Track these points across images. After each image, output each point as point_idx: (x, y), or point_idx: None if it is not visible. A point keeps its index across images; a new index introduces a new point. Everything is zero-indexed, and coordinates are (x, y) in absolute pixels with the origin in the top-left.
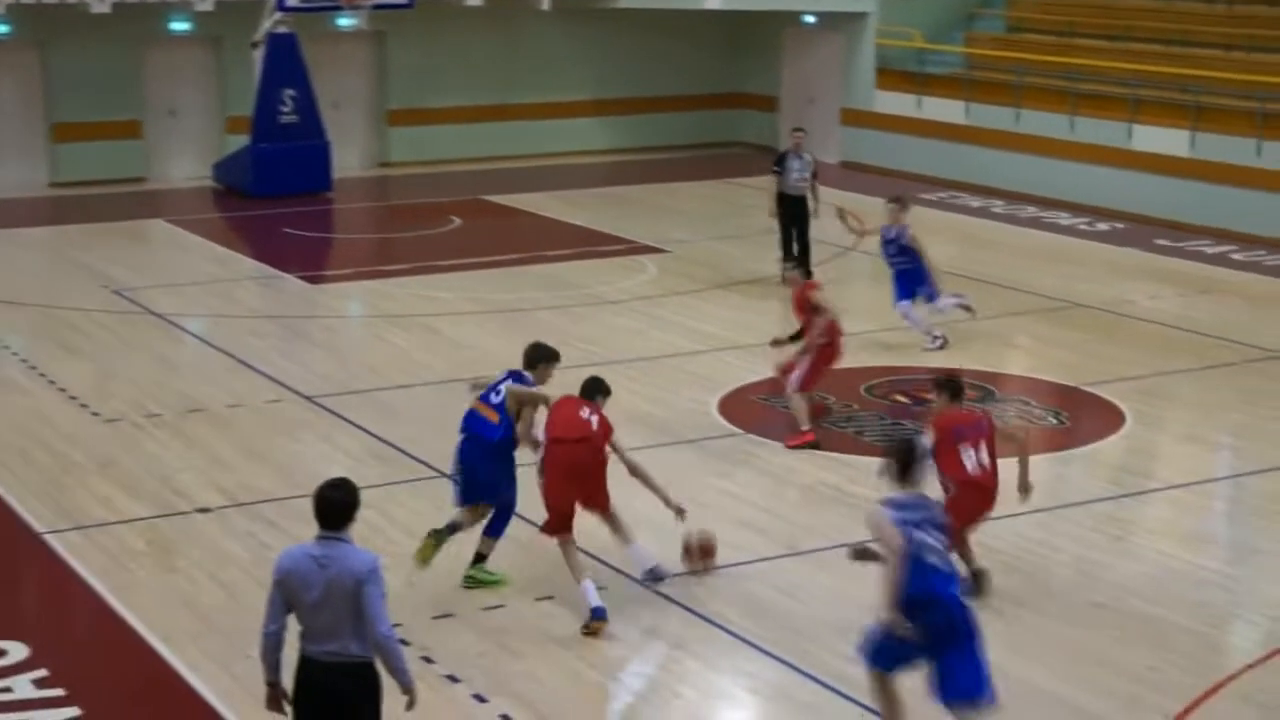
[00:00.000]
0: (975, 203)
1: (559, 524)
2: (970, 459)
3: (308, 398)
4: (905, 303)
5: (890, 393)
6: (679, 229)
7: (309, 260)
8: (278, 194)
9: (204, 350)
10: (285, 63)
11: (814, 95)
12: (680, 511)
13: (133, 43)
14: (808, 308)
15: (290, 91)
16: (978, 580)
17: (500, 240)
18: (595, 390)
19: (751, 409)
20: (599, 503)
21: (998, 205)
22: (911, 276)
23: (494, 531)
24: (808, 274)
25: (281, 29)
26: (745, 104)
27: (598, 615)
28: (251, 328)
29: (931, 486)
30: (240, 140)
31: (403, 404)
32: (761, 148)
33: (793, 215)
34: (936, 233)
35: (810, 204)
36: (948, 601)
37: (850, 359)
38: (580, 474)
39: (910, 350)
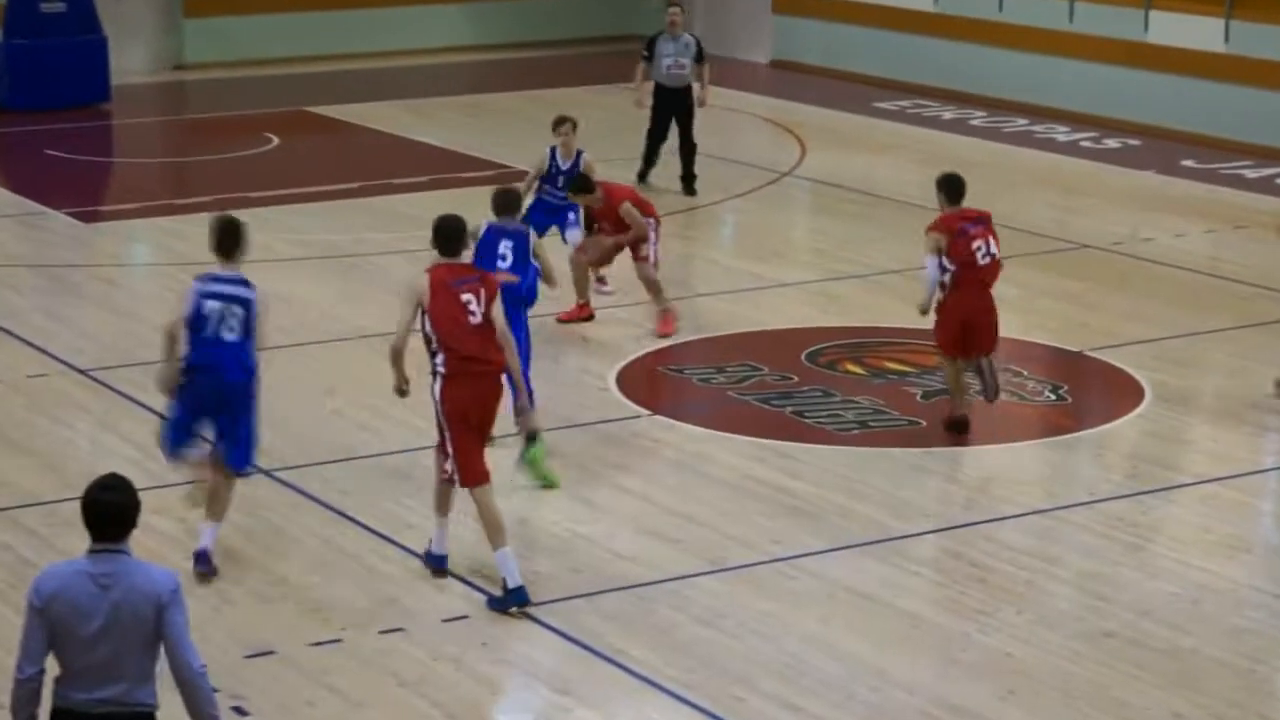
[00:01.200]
0: (947, 114)
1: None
2: (981, 250)
3: (81, 371)
4: None
5: (839, 360)
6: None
7: (81, 192)
8: (39, 106)
9: None
10: None
11: None
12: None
13: None
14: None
15: None
16: (958, 425)
17: (331, 165)
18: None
19: (659, 382)
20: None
21: (976, 116)
22: None
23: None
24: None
25: None
26: None
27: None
28: (6, 279)
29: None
30: None
31: None
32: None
33: (668, 109)
34: (894, 152)
35: (698, 95)
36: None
37: (788, 315)
38: None
39: (865, 306)
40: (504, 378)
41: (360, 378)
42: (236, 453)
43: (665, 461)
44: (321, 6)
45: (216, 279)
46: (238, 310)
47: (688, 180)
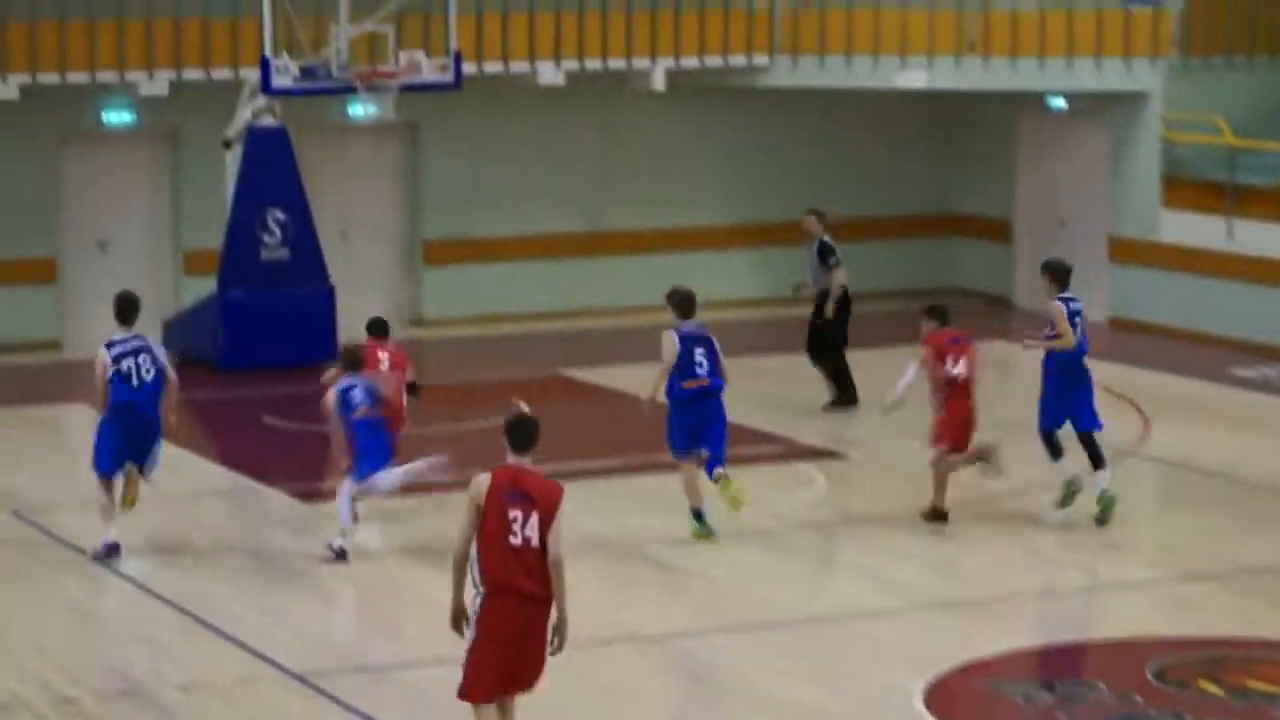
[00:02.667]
0: None
1: None
2: (953, 365)
3: (297, 676)
4: None
5: (1193, 677)
6: (861, 422)
7: (302, 466)
8: (258, 366)
9: (143, 601)
10: (271, 171)
11: (1065, 217)
12: None
13: (46, 143)
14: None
15: (278, 213)
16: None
17: (588, 437)
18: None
19: (978, 700)
20: None
21: None
22: None
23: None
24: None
25: (266, 121)
26: (962, 230)
27: None
28: (215, 567)
29: None
30: (204, 286)
31: (444, 688)
32: (989, 297)
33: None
34: (1259, 428)
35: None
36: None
37: (1129, 621)
38: None
39: (1225, 612)
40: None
41: (641, 689)
42: None
43: None
44: (578, 253)
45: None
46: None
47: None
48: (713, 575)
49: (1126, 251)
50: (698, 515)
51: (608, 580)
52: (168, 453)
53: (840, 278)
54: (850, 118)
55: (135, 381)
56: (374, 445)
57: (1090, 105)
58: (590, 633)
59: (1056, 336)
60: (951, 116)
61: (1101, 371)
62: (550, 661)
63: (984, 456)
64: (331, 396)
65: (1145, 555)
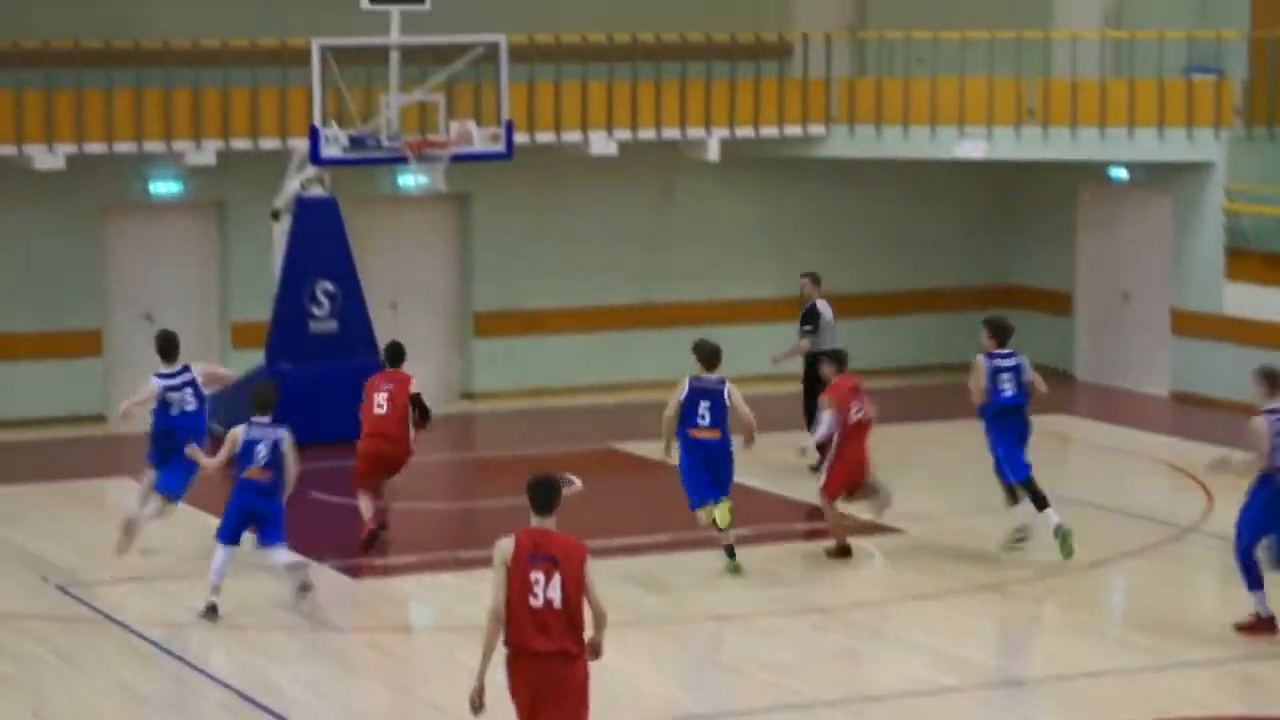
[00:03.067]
0: None
1: None
2: (856, 411)
3: None
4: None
5: None
6: (921, 498)
7: (350, 541)
8: (307, 441)
9: (190, 678)
10: (320, 241)
11: (1128, 289)
12: None
13: (91, 213)
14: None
15: (327, 285)
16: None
17: (643, 513)
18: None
19: None
20: None
21: None
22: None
23: None
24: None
25: (315, 191)
26: (1022, 303)
27: None
28: (263, 643)
29: None
30: (251, 359)
31: None
32: (1052, 371)
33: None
34: None
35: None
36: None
37: (1195, 700)
38: None
39: None
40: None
41: None
42: None
43: None
44: (631, 325)
45: None
46: None
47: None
48: (770, 652)
49: (1189, 324)
50: (729, 551)
51: (662, 658)
52: (214, 526)
53: (805, 345)
54: (908, 189)
55: (175, 411)
56: (244, 508)
57: (1152, 175)
58: (646, 709)
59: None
60: (1011, 187)
61: (1163, 446)
62: None
63: (873, 492)
64: (235, 439)
65: (1211, 633)
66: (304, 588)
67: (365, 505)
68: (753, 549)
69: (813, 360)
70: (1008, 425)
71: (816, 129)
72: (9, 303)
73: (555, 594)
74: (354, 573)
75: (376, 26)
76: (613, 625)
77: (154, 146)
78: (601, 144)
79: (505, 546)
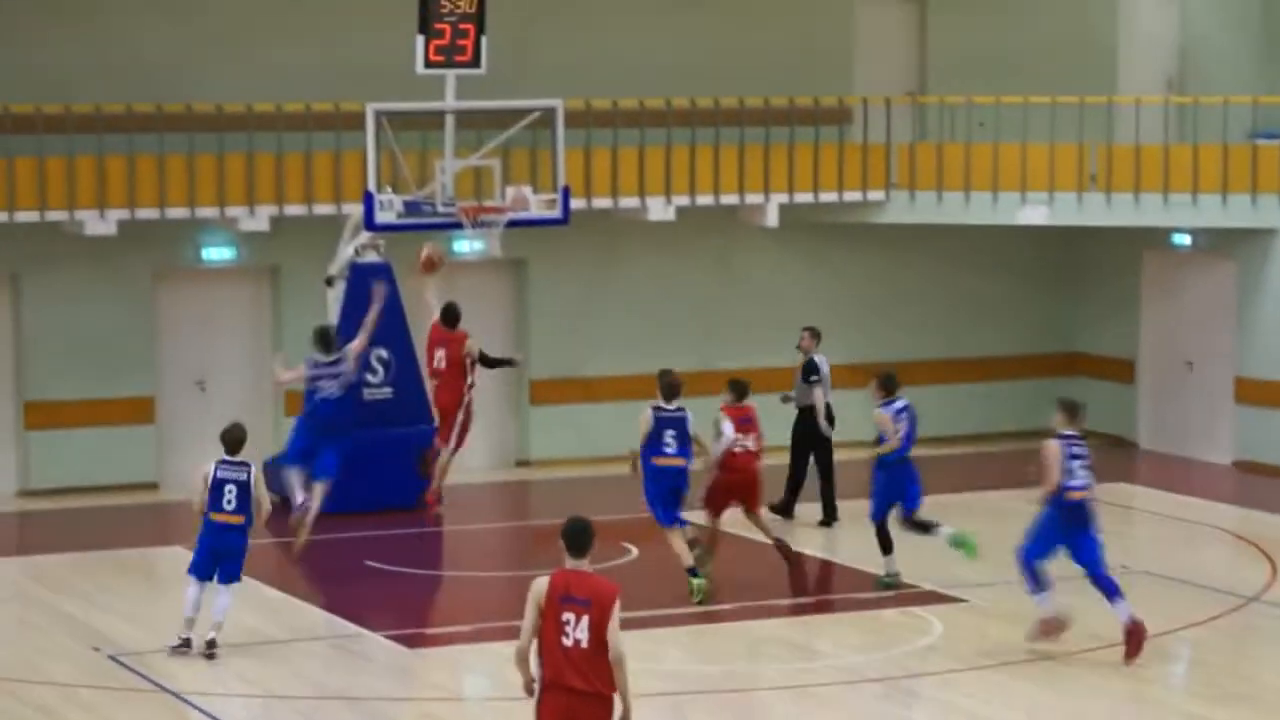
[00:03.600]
0: None
1: None
2: (744, 438)
3: None
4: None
5: None
6: (983, 567)
7: (405, 611)
8: (361, 509)
9: None
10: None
11: (1192, 357)
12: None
13: (143, 279)
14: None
15: (381, 352)
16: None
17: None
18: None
19: None
20: None
21: None
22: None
23: None
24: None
25: (370, 257)
26: (1085, 370)
27: None
28: (318, 714)
29: None
30: None
31: None
32: (1113, 439)
33: (803, 434)
34: None
35: (821, 424)
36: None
37: None
38: None
39: None
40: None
41: None
42: None
43: None
44: (689, 393)
45: None
46: None
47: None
48: None
49: (1254, 392)
50: (691, 572)
51: None
52: (268, 595)
53: (821, 395)
54: (969, 255)
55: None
56: (212, 549)
57: (1216, 241)
58: None
59: (886, 442)
60: (1074, 253)
61: (1227, 516)
62: None
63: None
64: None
65: (1269, 703)
66: (209, 647)
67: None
68: (809, 618)
69: (804, 413)
70: (907, 465)
71: (876, 194)
72: (61, 369)
73: (584, 635)
74: (408, 643)
75: (432, 91)
76: (671, 697)
77: (207, 212)
78: (659, 209)
79: (539, 586)
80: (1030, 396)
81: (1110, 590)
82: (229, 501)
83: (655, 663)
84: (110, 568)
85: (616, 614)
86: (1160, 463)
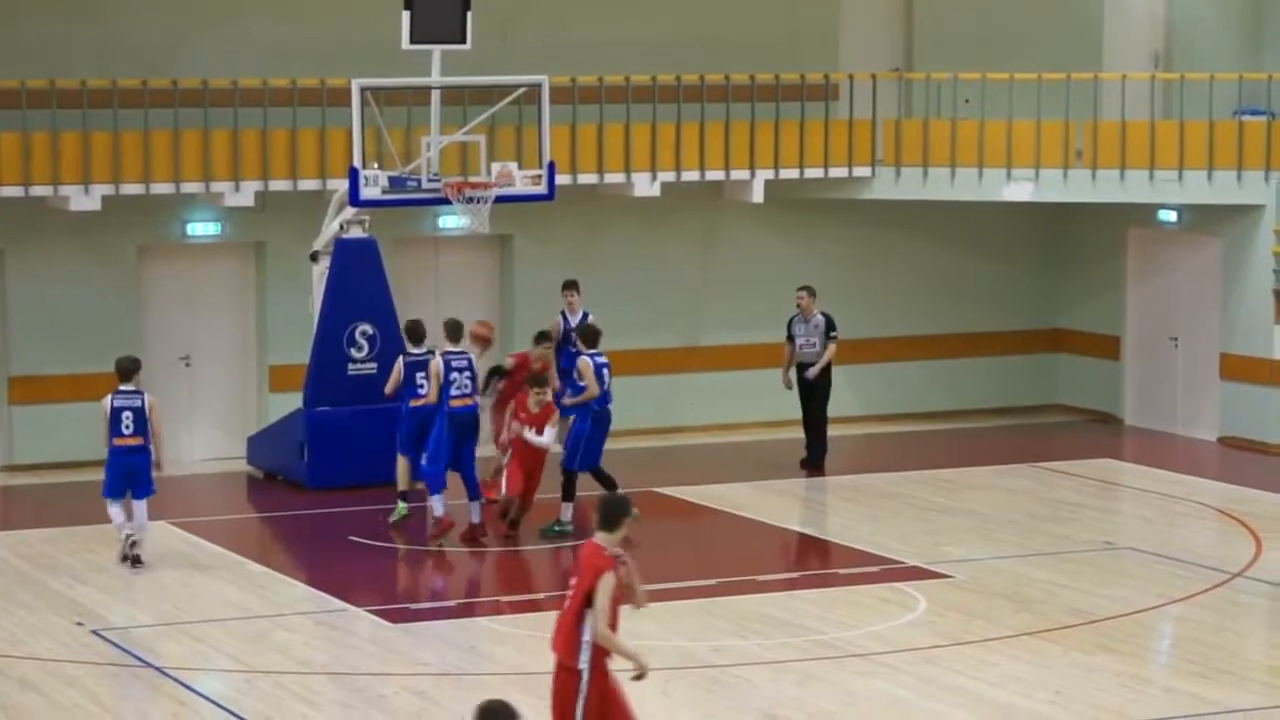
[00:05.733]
0: None
1: None
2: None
3: None
4: None
5: None
6: (965, 541)
7: (387, 586)
8: (345, 484)
9: None
10: (360, 283)
11: (1177, 333)
12: None
13: (128, 255)
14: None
15: (366, 327)
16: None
17: (683, 557)
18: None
19: None
20: None
21: None
22: None
23: None
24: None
25: (354, 233)
26: (1070, 347)
27: None
28: (303, 690)
29: None
30: (289, 402)
31: None
32: (1098, 415)
33: (802, 386)
34: None
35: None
36: None
37: None
38: None
39: None
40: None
41: None
42: None
43: None
44: (674, 368)
45: None
46: None
47: (817, 454)
48: (815, 699)
49: (1238, 369)
50: (402, 496)
51: (703, 708)
52: (252, 570)
53: (833, 350)
54: (954, 231)
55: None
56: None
57: (1202, 219)
58: None
59: (585, 390)
60: (1059, 230)
61: (1212, 492)
62: None
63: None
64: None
65: (1257, 680)
66: (133, 556)
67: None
68: (794, 593)
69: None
70: (605, 417)
71: (862, 171)
72: (45, 344)
73: (568, 601)
74: (391, 618)
75: (417, 67)
76: (656, 673)
77: (192, 187)
78: (644, 185)
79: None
80: (1016, 373)
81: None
82: (127, 426)
83: (637, 639)
84: (94, 543)
85: (602, 587)
86: (1145, 439)
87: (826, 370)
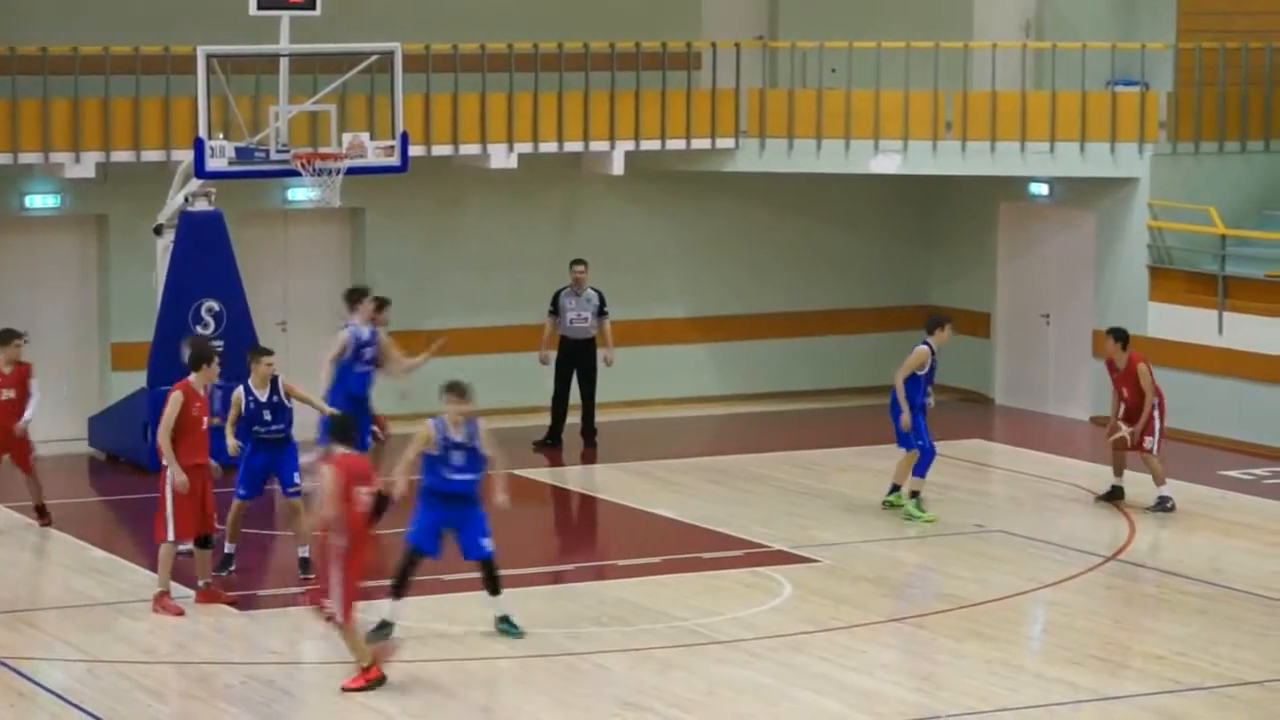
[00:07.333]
0: None
1: None
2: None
3: None
4: None
5: None
6: (831, 525)
7: (237, 573)
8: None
9: (70, 716)
10: (206, 258)
11: (1049, 309)
12: None
13: None
14: None
15: (212, 304)
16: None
17: (544, 543)
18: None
19: None
20: None
21: None
22: None
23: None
24: (551, 441)
25: (200, 205)
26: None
27: None
28: (147, 679)
29: None
30: (132, 381)
31: None
32: (969, 395)
33: (571, 362)
34: (1249, 533)
35: (603, 353)
36: None
37: None
38: None
39: None
40: None
41: None
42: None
43: None
44: (531, 347)
45: None
46: None
47: (587, 435)
48: (675, 688)
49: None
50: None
51: (560, 696)
52: (94, 556)
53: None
54: (821, 205)
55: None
56: None
57: (1074, 192)
58: None
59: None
60: (929, 204)
61: (1084, 472)
62: None
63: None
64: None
65: (1130, 666)
66: None
67: None
68: (654, 578)
69: (587, 345)
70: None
71: (725, 142)
72: None
73: None
74: (238, 605)
75: (265, 34)
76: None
77: (30, 158)
78: (501, 157)
79: None
80: (884, 350)
81: None
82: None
83: (479, 626)
84: None
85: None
86: (1017, 419)
87: (592, 348)
